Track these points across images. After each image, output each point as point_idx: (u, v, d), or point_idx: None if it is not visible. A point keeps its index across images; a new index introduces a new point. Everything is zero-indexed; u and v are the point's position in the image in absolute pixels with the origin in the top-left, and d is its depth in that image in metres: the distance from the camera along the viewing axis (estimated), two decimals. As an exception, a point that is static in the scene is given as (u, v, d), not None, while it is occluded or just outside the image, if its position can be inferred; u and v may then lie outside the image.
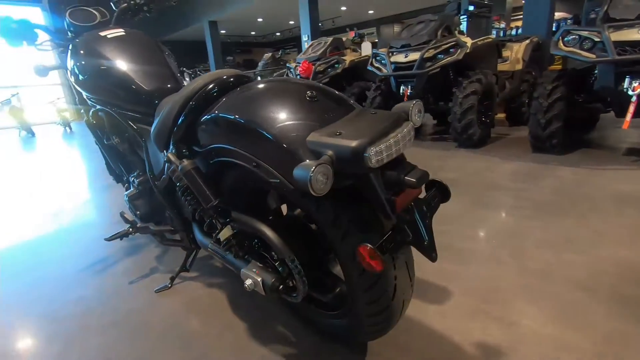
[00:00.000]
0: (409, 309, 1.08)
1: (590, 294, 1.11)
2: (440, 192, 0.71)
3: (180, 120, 0.87)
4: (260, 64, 5.52)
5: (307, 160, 0.58)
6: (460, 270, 1.30)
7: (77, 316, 1.20)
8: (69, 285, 1.40)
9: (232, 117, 0.74)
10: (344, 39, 4.45)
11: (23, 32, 1.25)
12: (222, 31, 12.48)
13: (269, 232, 0.79)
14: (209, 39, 10.65)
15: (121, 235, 1.35)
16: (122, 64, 1.17)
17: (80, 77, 1.24)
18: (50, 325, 1.16)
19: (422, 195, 0.70)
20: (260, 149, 0.68)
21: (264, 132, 0.66)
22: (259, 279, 0.80)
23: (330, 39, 4.31)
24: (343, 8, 10.66)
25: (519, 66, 3.68)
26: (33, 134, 7.96)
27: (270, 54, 5.48)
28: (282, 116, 0.67)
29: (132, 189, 1.36)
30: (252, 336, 1.04)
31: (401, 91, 3.36)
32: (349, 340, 0.98)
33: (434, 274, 1.27)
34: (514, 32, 6.89)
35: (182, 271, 1.32)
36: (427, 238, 0.67)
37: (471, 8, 4.73)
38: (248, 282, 0.82)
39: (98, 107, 1.29)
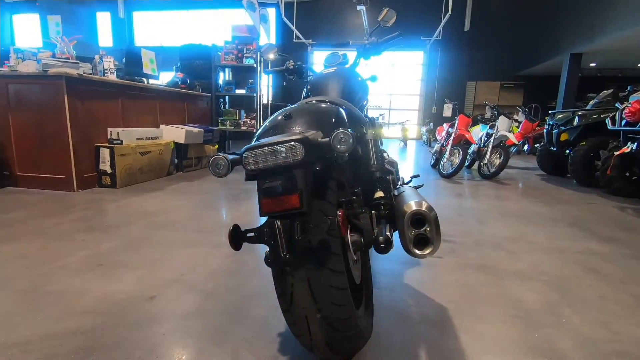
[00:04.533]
0: None
1: None
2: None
3: None
4: (592, 102, 4.48)
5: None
6: None
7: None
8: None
9: None
10: None
11: (295, 71, 2.03)
12: (592, 64, 10.57)
13: None
14: (565, 73, 9.45)
15: None
16: (315, 90, 1.68)
17: (303, 95, 1.87)
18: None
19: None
20: None
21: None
22: None
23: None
24: None
25: None
26: (381, 144, 10.54)
27: (610, 91, 4.31)
28: (264, 127, 0.91)
29: None
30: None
31: None
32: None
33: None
34: None
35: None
36: (285, 252, 0.70)
37: None
38: None
39: None
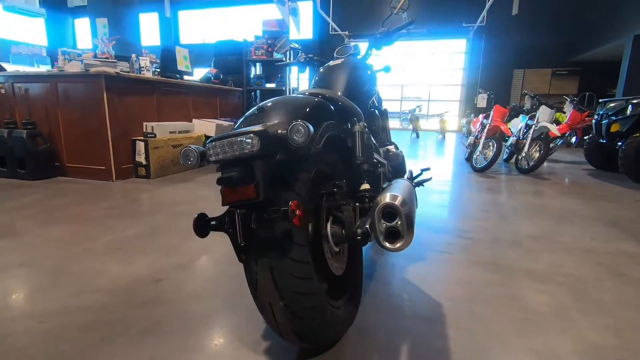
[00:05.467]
0: None
1: None
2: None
3: None
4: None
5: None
6: None
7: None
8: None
9: None
10: None
11: (307, 64, 2.04)
12: (661, 46, 9.45)
13: None
14: (626, 57, 8.52)
15: None
16: (320, 82, 1.68)
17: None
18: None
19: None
20: None
21: None
22: None
23: None
24: None
25: None
26: (418, 136, 10.29)
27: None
28: (240, 120, 0.93)
29: None
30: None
31: None
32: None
33: None
34: None
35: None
36: (242, 240, 0.72)
37: None
38: None
39: None
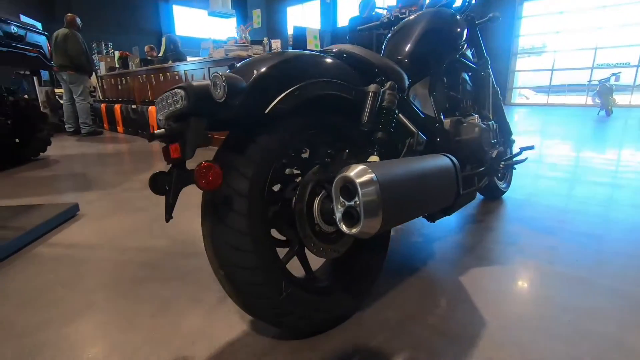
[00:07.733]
0: None
1: None
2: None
3: None
4: None
5: None
6: None
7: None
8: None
9: None
10: None
11: (394, 23, 1.80)
12: None
13: None
14: None
15: None
16: (388, 41, 1.46)
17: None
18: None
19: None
20: None
21: None
22: None
23: None
24: None
25: None
26: (608, 114, 7.92)
27: None
28: None
29: None
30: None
31: None
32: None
33: None
34: None
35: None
36: (172, 200, 0.70)
37: None
38: None
39: None
